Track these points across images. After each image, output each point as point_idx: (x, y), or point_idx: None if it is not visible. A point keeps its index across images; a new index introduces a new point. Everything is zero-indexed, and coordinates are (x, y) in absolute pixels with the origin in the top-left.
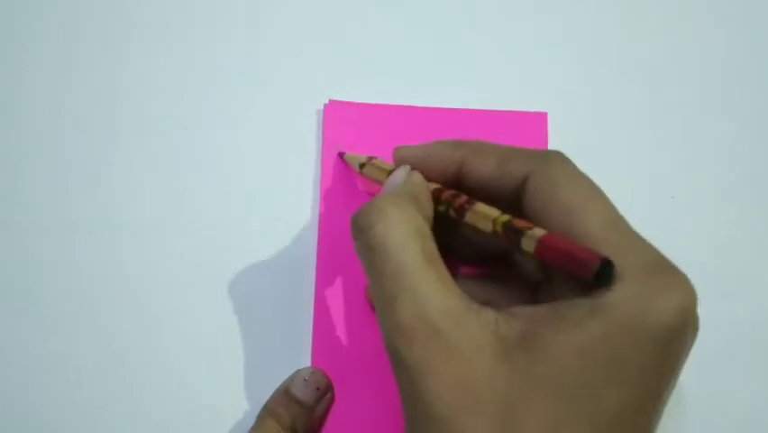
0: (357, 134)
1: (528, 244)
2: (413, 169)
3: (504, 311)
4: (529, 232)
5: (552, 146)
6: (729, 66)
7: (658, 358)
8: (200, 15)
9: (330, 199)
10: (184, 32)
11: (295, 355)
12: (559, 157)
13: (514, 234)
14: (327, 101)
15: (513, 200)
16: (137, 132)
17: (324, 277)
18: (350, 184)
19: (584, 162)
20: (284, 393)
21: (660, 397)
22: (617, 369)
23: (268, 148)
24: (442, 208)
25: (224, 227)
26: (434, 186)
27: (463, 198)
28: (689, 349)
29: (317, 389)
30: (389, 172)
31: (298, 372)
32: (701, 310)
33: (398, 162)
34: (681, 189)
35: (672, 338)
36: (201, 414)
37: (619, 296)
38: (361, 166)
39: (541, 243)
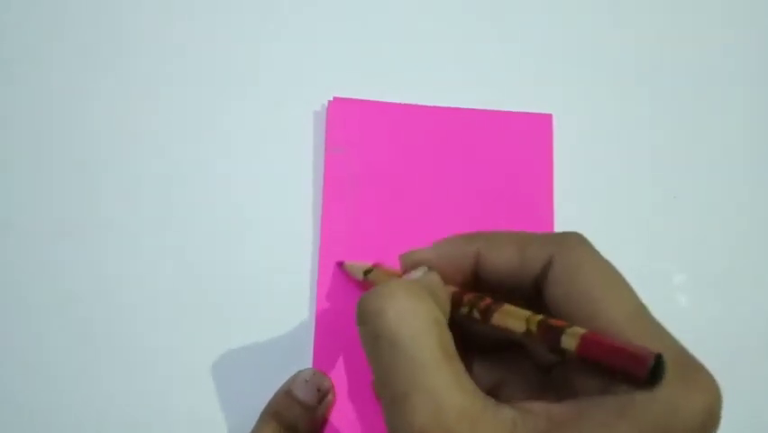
0: (360, 132)
1: (569, 342)
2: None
3: (522, 409)
4: (569, 330)
5: (557, 147)
6: (731, 67)
7: None
8: (199, 14)
9: (333, 199)
10: (182, 30)
11: (296, 357)
12: (578, 240)
13: (551, 332)
14: (331, 98)
15: (532, 290)
16: (133, 133)
17: (326, 278)
18: (354, 183)
19: (588, 163)
20: (286, 394)
21: None
22: None
23: (267, 149)
24: (464, 310)
25: (224, 229)
26: (452, 289)
27: (488, 299)
28: None
29: (318, 390)
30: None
31: (300, 373)
32: (703, 311)
33: (407, 267)
34: (684, 190)
35: None
36: (203, 415)
37: (648, 396)
38: (366, 273)
39: (585, 340)
